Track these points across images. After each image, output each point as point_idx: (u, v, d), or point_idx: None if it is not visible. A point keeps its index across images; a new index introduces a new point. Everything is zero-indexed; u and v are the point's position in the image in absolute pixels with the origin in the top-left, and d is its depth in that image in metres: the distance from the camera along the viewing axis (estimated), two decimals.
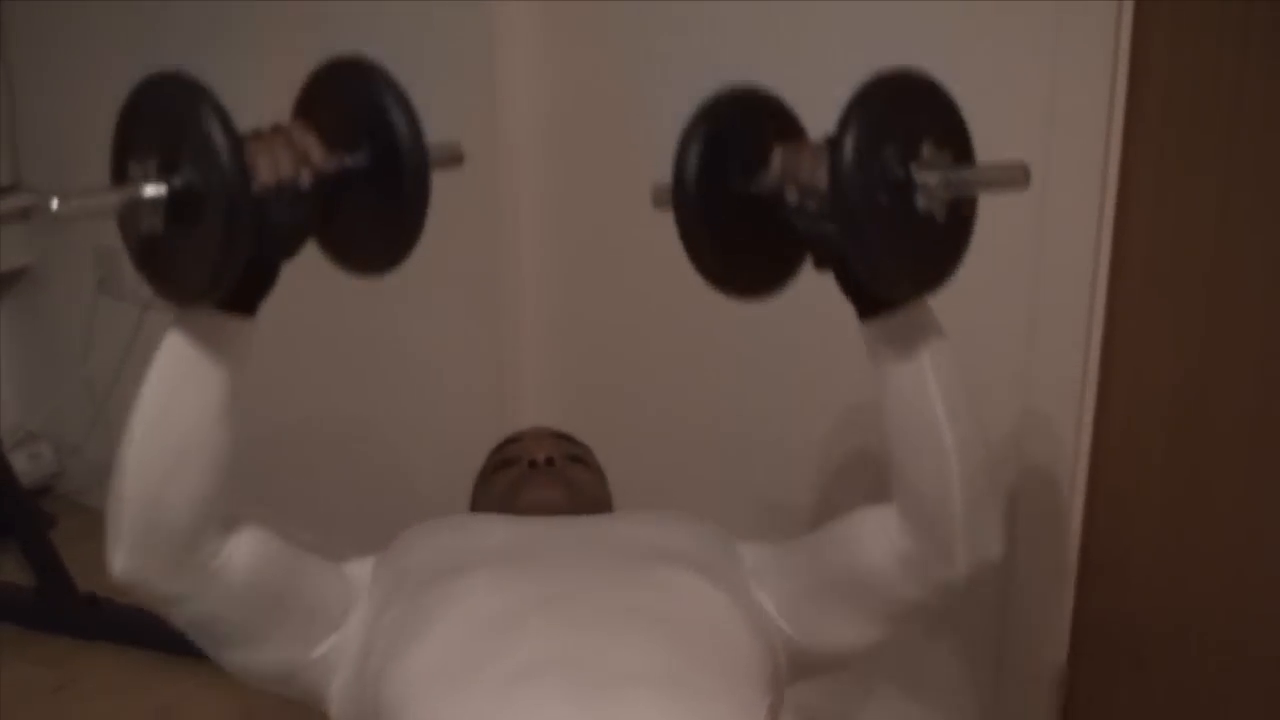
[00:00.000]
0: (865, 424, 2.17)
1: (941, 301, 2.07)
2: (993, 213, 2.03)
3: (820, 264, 1.51)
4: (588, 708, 1.40)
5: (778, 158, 1.50)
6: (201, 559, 1.48)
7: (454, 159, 1.55)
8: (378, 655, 1.55)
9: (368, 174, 1.45)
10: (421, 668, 1.49)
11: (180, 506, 1.45)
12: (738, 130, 1.55)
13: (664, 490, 2.33)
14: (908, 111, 1.42)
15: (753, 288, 1.60)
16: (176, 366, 1.46)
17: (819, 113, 2.17)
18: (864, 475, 2.23)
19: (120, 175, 1.42)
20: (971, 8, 1.97)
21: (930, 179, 1.39)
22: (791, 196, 1.46)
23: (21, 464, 3.28)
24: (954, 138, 1.45)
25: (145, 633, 2.83)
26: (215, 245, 1.35)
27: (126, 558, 1.46)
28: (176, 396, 1.46)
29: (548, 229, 2.54)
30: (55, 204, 1.35)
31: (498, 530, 1.74)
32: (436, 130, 2.50)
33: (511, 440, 1.97)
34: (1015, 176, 1.41)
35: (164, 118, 1.40)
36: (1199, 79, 1.88)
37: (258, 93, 2.83)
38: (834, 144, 1.38)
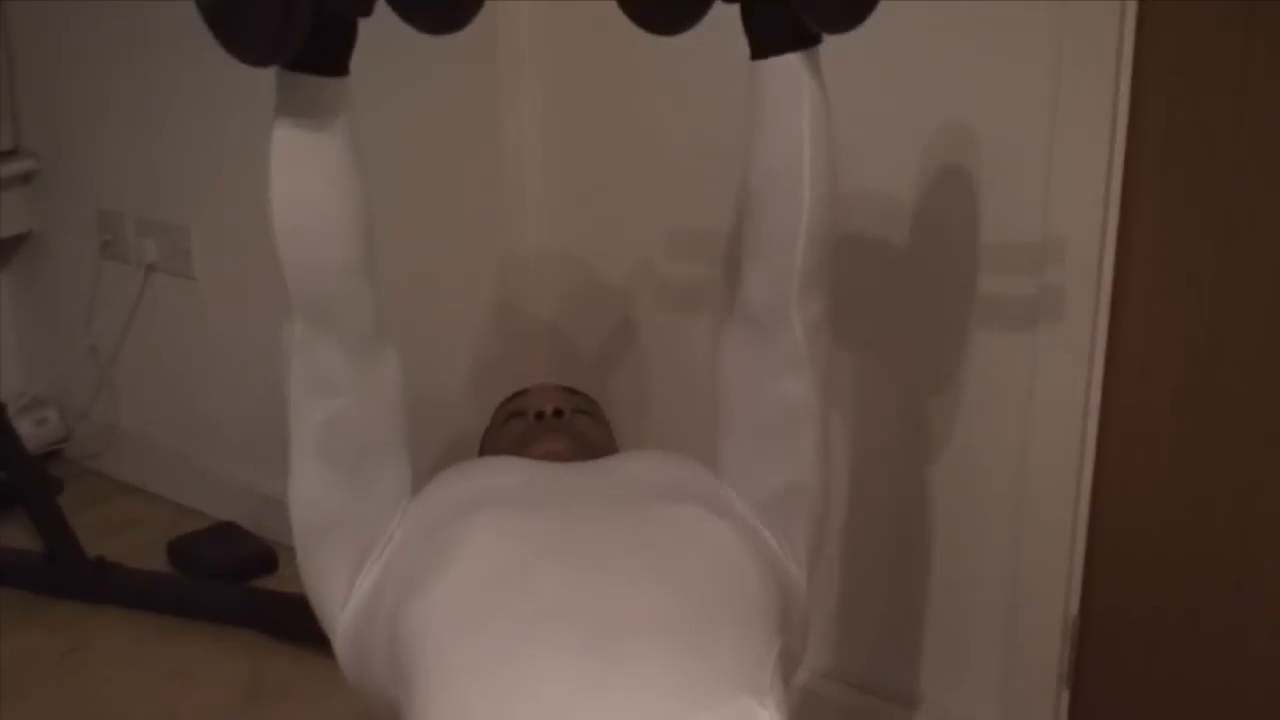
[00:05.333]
0: (878, 376, 2.17)
1: (949, 290, 2.08)
2: (997, 212, 2.04)
3: None
4: (599, 654, 1.41)
5: None
6: (366, 338, 1.59)
7: None
8: (390, 595, 1.57)
9: None
10: (437, 608, 1.50)
11: (335, 269, 1.54)
12: None
13: (669, 444, 2.33)
14: None
15: (664, 21, 1.61)
16: (289, 140, 1.51)
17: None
18: (874, 419, 2.23)
19: None
20: (974, 8, 1.96)
21: None
22: None
23: (27, 429, 3.28)
24: None
25: (154, 597, 2.84)
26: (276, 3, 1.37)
27: (303, 326, 1.56)
28: (298, 165, 1.51)
29: (553, 180, 2.54)
30: None
31: (510, 471, 1.75)
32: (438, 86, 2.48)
33: (518, 394, 1.98)
34: None
35: None
36: (1203, 78, 1.87)
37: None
38: None
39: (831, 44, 2.14)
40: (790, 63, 1.55)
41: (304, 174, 1.52)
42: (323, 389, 1.59)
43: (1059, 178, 1.95)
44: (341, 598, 1.66)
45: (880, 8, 2.05)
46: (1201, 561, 2.03)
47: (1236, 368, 1.94)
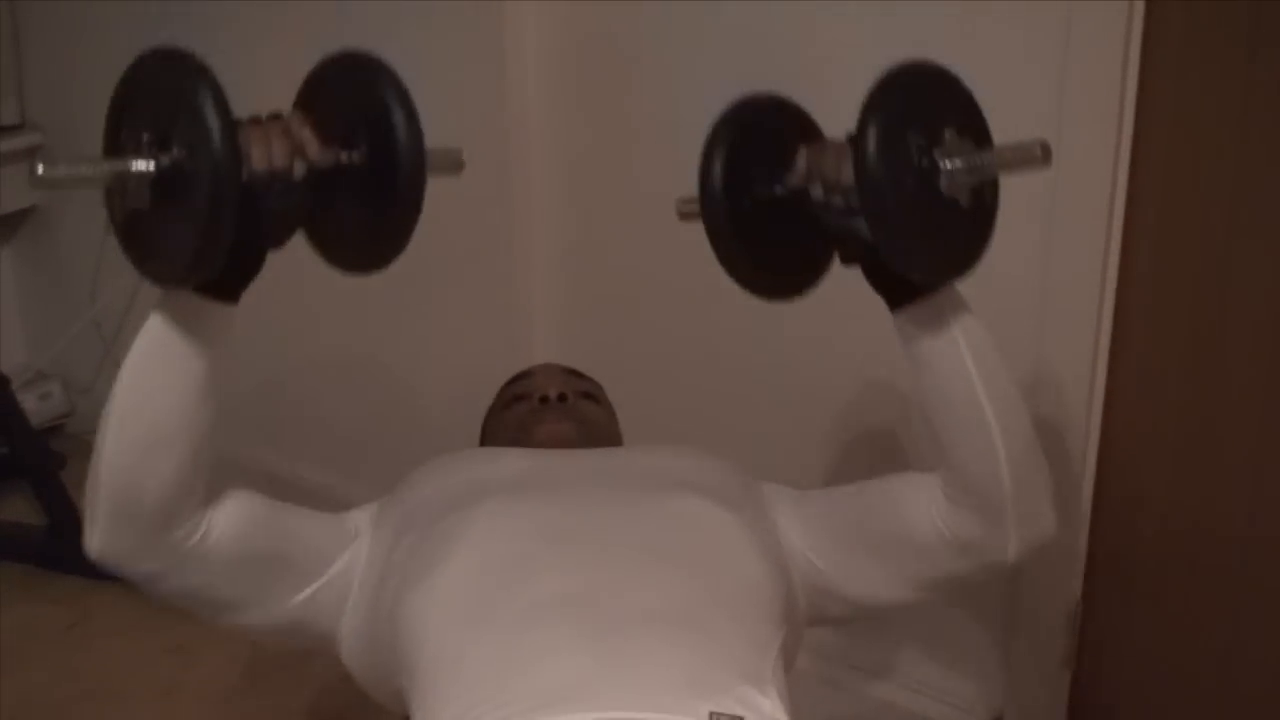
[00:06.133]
0: (878, 363, 2.17)
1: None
2: (1003, 210, 2.03)
3: (848, 259, 1.52)
4: (600, 647, 1.40)
5: (802, 158, 1.50)
6: (176, 539, 1.49)
7: (454, 166, 1.53)
8: (393, 584, 1.56)
9: (363, 171, 1.44)
10: (440, 598, 1.49)
11: (154, 489, 1.46)
12: (759, 135, 1.56)
13: (672, 427, 2.33)
14: (926, 101, 1.43)
15: (784, 290, 1.61)
16: (155, 348, 1.45)
17: (823, 106, 2.16)
18: (876, 414, 2.23)
19: (113, 147, 1.41)
20: (981, 8, 1.97)
21: (954, 165, 1.41)
22: (817, 194, 1.48)
23: (31, 404, 3.28)
24: (972, 124, 1.47)
25: None
26: (199, 228, 1.33)
27: (102, 538, 1.49)
28: (153, 378, 1.46)
29: (558, 163, 2.53)
30: (40, 169, 1.33)
31: (511, 461, 1.74)
32: (443, 76, 2.47)
33: (523, 376, 1.98)
34: (1035, 155, 1.42)
35: (161, 93, 1.38)
36: (1209, 78, 1.88)
37: (265, 62, 2.81)
38: (857, 136, 1.38)
39: (830, 42, 2.14)
40: (930, 306, 1.49)
41: (157, 384, 1.46)
42: (158, 579, 1.53)
43: (1064, 175, 1.94)
44: (333, 631, 1.64)
45: (884, 7, 2.06)
46: (1204, 549, 2.03)
47: (1240, 355, 1.94)
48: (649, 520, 1.59)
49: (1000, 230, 2.03)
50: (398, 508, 1.67)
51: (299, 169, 1.41)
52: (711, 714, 1.33)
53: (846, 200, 1.44)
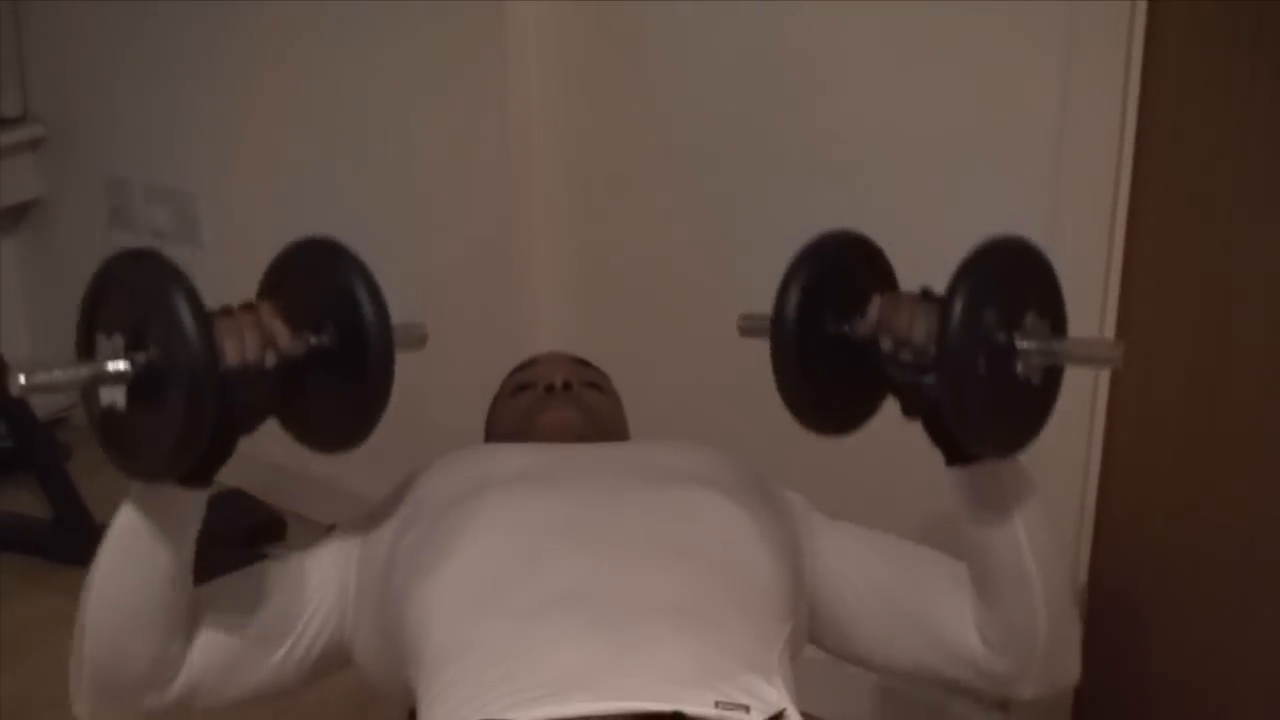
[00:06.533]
0: None
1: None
2: (1005, 211, 2.03)
3: (910, 412, 1.53)
4: (606, 637, 1.41)
5: (875, 306, 1.52)
6: (160, 698, 1.53)
7: (418, 341, 1.57)
8: (399, 579, 1.56)
9: (332, 354, 1.47)
10: (446, 590, 1.50)
11: (136, 666, 1.50)
12: (836, 273, 1.58)
13: (674, 430, 2.33)
14: (1013, 279, 1.46)
15: (835, 425, 1.63)
16: (129, 536, 1.48)
17: (825, 107, 2.17)
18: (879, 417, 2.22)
19: (87, 347, 1.42)
20: (981, 8, 1.97)
21: (1031, 347, 1.43)
22: (886, 345, 1.50)
23: (36, 396, 3.27)
24: (1052, 307, 1.49)
25: None
26: (178, 427, 1.35)
27: (92, 711, 1.53)
28: (130, 566, 1.48)
29: (563, 157, 2.52)
30: (22, 379, 1.35)
31: (515, 456, 1.74)
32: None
33: (528, 364, 1.97)
34: (1112, 355, 1.49)
35: (134, 295, 1.40)
36: (1212, 78, 1.88)
37: (264, 59, 2.81)
38: (944, 304, 1.40)
39: (832, 42, 2.14)
40: (986, 470, 1.52)
41: (134, 572, 1.48)
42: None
43: (1067, 175, 1.95)
44: (341, 639, 1.65)
45: (886, 8, 2.05)
46: (1207, 544, 2.04)
47: (1243, 352, 1.94)
48: (656, 512, 1.59)
49: (1001, 227, 2.04)
50: (396, 512, 1.66)
51: (270, 360, 1.44)
52: (717, 703, 1.34)
53: (915, 357, 1.46)
